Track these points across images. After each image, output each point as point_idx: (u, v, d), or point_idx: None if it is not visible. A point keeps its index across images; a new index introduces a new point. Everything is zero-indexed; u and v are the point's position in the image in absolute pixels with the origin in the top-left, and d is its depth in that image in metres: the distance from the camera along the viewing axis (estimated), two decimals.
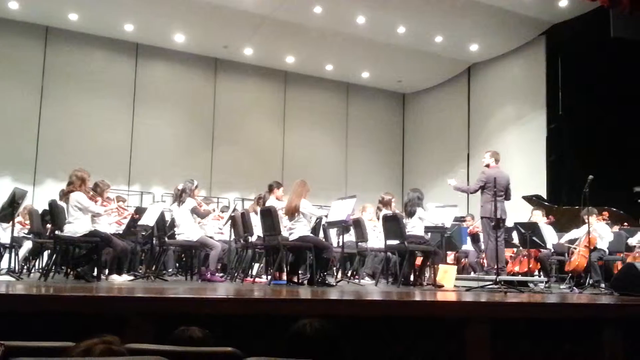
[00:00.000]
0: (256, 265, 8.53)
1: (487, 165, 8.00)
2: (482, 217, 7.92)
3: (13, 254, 8.69)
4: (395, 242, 7.35)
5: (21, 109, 12.89)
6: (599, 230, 8.58)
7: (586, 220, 7.72)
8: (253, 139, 15.13)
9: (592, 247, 8.12)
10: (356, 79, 16.22)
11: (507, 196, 7.86)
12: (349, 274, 8.88)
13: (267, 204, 7.56)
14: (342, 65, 15.26)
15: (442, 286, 7.29)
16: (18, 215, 8.27)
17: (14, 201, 6.99)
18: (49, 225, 8.22)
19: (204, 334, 2.37)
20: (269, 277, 7.37)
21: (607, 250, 8.74)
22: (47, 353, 1.90)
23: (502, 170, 7.95)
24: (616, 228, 9.49)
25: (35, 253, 9.09)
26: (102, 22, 13.01)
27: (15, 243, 8.56)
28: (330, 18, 12.35)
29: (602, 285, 7.73)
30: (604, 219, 8.92)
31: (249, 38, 13.54)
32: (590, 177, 7.14)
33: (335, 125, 16.38)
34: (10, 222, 7.52)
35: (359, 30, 12.85)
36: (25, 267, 8.99)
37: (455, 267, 8.56)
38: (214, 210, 9.19)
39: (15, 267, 8.60)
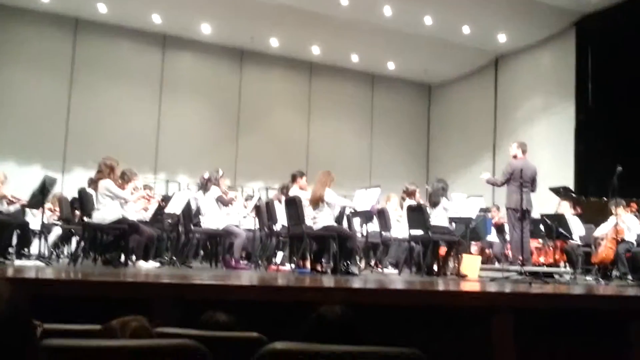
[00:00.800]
0: (280, 254, 8.58)
1: (514, 156, 7.91)
2: (507, 208, 7.85)
3: (43, 240, 8.87)
4: (419, 232, 7.34)
5: (51, 99, 13.11)
6: (627, 222, 8.46)
7: (614, 212, 7.62)
8: (278, 129, 15.18)
9: (619, 239, 8.02)
10: (382, 70, 16.15)
11: (533, 188, 7.74)
12: (372, 263, 8.89)
13: (290, 193, 7.60)
14: (368, 56, 15.21)
15: (466, 276, 7.27)
16: (48, 202, 8.42)
17: (45, 188, 7.13)
18: (77, 212, 8.36)
19: (230, 319, 2.40)
20: (293, 265, 7.42)
21: (634, 242, 8.61)
22: (76, 336, 1.95)
23: (528, 162, 7.82)
24: None
25: (64, 239, 9.25)
26: (130, 13, 13.15)
27: (45, 229, 8.73)
28: (356, 8, 12.30)
29: (629, 277, 7.64)
30: (632, 211, 8.79)
31: (274, 29, 13.56)
32: (619, 168, 7.04)
33: (360, 116, 16.35)
34: (41, 209, 7.67)
35: (385, 21, 12.78)
36: (55, 252, 9.16)
37: (479, 258, 8.53)
38: (235, 197, 9.26)
39: (45, 252, 8.77)
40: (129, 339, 1.71)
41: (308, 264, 7.43)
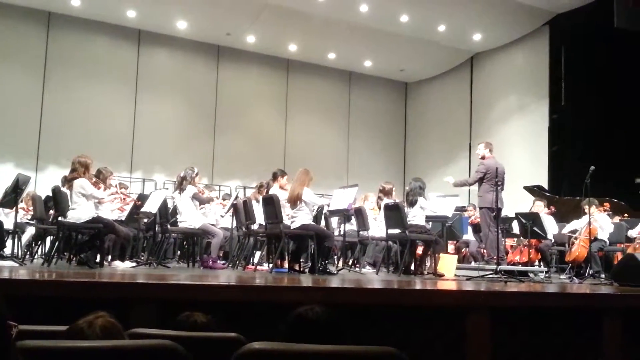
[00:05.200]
0: (258, 253, 8.56)
1: (483, 157, 8.00)
2: (480, 208, 7.94)
3: (16, 240, 8.74)
4: (396, 231, 7.37)
5: (23, 95, 12.90)
6: (599, 221, 8.60)
7: (587, 211, 7.74)
8: (255, 126, 15.15)
9: (592, 238, 8.14)
10: (359, 68, 16.20)
11: (503, 186, 7.80)
12: (350, 263, 8.91)
13: (270, 192, 7.57)
14: (345, 54, 15.24)
15: (443, 275, 7.32)
16: (21, 202, 8.30)
17: (18, 187, 7.01)
18: (51, 212, 8.25)
19: (208, 319, 2.39)
20: (271, 265, 7.40)
21: (607, 241, 8.76)
22: (50, 337, 1.93)
23: (497, 160, 7.92)
24: (617, 219, 9.51)
25: (38, 239, 9.12)
26: (105, 8, 12.99)
27: (19, 229, 8.59)
28: (333, 6, 12.33)
29: (602, 275, 7.76)
30: (604, 210, 8.93)
31: (251, 25, 13.52)
32: (592, 167, 7.14)
33: (337, 114, 16.38)
34: (14, 208, 7.55)
35: (362, 19, 12.82)
36: (28, 252, 9.03)
37: (455, 257, 8.59)
38: (217, 197, 9.23)
39: (18, 252, 8.64)
40: (106, 340, 1.69)
41: (286, 264, 7.42)
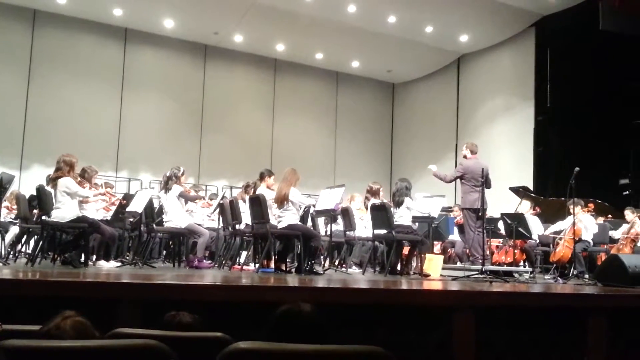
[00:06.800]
0: (244, 253, 8.54)
1: (464, 157, 8.04)
2: (462, 209, 7.97)
3: (0, 239, 8.66)
4: (383, 231, 7.38)
5: (8, 93, 12.79)
6: (584, 222, 8.66)
7: (572, 212, 7.79)
8: (242, 126, 15.11)
9: (576, 239, 8.21)
10: (346, 68, 16.22)
11: (488, 185, 7.76)
12: (336, 263, 8.91)
13: (257, 192, 7.56)
14: (332, 54, 15.26)
15: (429, 275, 7.34)
16: (5, 200, 8.21)
17: (1, 185, 6.94)
18: (36, 211, 8.18)
19: (194, 319, 2.38)
20: (257, 264, 7.39)
21: (591, 242, 8.83)
22: (34, 337, 1.92)
23: (479, 161, 7.90)
24: (601, 220, 9.59)
25: (22, 238, 9.04)
26: (91, 6, 12.91)
27: (2, 228, 8.51)
28: (320, 6, 12.34)
29: (586, 275, 7.82)
30: (589, 211, 9.00)
31: (238, 24, 13.49)
32: (577, 169, 7.19)
33: (324, 114, 16.39)
34: None
35: (350, 19, 12.84)
36: (12, 252, 8.94)
37: (441, 257, 8.62)
38: (203, 198, 9.20)
39: (2, 252, 8.56)
40: (92, 340, 1.69)
41: (272, 264, 7.41)
